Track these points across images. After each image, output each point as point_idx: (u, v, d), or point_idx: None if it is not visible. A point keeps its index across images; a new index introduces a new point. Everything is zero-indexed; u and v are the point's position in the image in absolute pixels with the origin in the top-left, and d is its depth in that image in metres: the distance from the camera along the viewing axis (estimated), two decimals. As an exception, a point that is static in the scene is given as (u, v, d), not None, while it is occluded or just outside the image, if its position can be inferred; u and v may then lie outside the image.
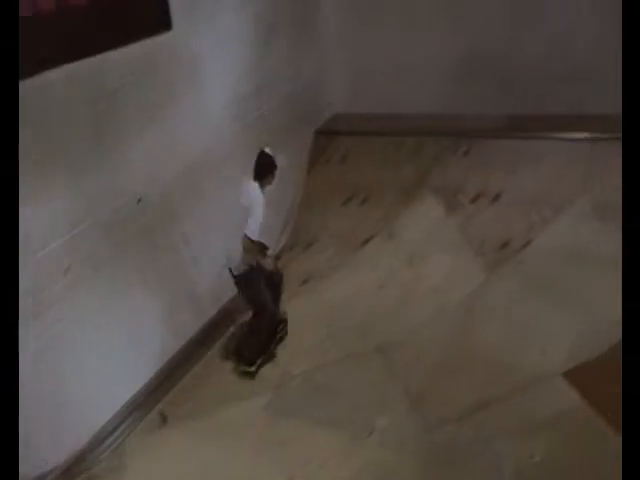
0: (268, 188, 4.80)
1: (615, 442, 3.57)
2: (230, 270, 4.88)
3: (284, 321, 5.36)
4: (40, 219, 3.88)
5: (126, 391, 4.78)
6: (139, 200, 4.69)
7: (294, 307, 5.55)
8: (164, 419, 4.71)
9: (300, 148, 6.96)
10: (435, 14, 6.70)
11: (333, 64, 7.42)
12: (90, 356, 4.40)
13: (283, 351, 5.24)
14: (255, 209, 4.65)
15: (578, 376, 4.26)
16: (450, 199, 6.26)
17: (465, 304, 5.31)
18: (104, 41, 4.19)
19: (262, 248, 4.80)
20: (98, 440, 4.47)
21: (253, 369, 5.02)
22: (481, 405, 4.35)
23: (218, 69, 5.50)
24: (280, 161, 4.83)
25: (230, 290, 5.28)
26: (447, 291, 5.50)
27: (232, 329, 5.61)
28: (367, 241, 6.33)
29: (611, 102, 6.27)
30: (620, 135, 6.45)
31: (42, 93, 3.80)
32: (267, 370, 5.06)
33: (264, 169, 4.75)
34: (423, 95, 7.01)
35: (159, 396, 4.89)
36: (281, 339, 5.30)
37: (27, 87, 3.49)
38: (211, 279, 5.54)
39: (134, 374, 4.86)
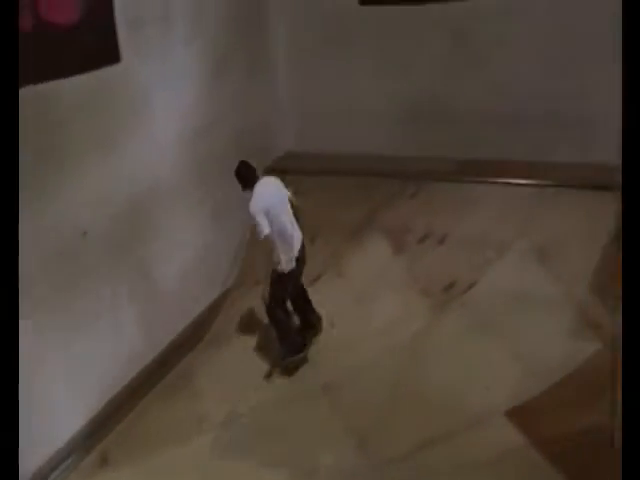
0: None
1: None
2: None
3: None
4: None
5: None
6: (84, 233, 4.63)
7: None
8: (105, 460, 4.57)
9: (249, 186, 6.94)
10: (384, 60, 6.86)
11: (284, 101, 7.49)
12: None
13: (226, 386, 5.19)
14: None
15: (520, 415, 4.33)
16: (398, 240, 6.34)
17: (411, 343, 5.34)
18: (53, 69, 4.17)
19: None
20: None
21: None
22: (426, 444, 4.36)
23: (168, 102, 5.49)
24: None
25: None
26: (394, 330, 5.52)
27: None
28: (316, 279, 6.32)
29: (556, 150, 6.53)
30: (564, 183, 6.66)
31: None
32: (212, 408, 4.98)
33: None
34: (373, 137, 7.15)
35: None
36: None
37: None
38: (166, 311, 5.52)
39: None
